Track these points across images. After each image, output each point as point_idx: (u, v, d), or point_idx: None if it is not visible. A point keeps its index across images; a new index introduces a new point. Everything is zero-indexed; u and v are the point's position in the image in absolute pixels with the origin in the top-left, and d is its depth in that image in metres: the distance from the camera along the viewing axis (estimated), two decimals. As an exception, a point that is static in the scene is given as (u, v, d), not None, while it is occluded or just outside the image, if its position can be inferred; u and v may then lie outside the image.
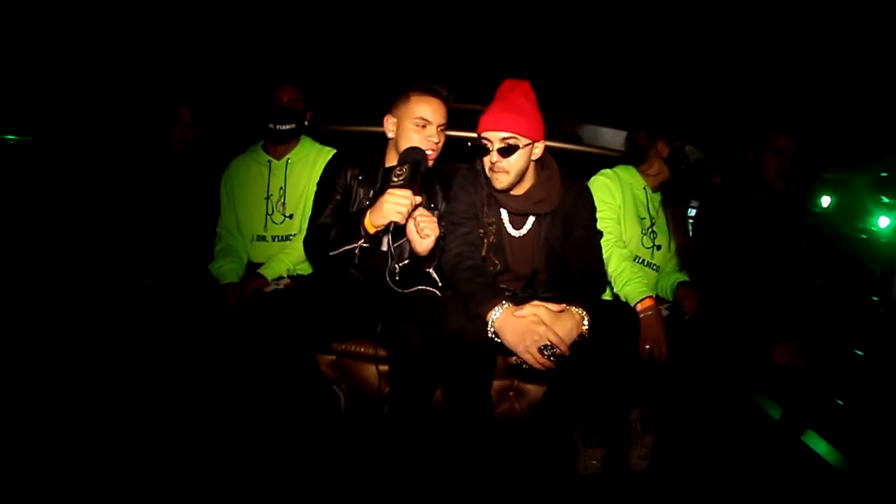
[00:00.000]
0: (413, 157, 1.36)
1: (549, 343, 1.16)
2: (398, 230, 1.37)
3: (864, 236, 3.02)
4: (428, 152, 1.45)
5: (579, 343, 1.24)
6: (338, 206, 1.54)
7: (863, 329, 2.11)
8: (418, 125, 1.48)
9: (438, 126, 1.49)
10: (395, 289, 1.47)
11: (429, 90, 1.50)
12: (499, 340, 1.23)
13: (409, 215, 1.32)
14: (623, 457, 1.64)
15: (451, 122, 1.56)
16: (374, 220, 1.33)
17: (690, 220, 1.99)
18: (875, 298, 2.15)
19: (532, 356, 1.17)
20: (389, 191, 1.30)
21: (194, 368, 1.61)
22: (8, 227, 2.25)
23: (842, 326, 2.15)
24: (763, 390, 2.02)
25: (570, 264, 1.47)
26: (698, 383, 1.59)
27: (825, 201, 3.40)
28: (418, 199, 1.32)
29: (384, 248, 1.48)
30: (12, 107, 2.52)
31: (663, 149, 1.74)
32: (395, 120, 1.52)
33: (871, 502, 1.60)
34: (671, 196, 1.81)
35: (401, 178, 1.31)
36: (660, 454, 1.65)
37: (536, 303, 1.23)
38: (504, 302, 1.24)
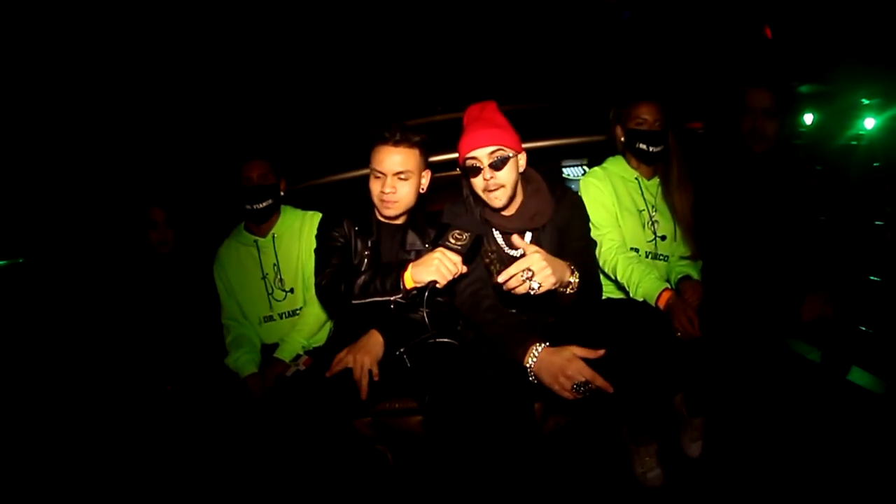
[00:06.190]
0: (477, 230, 1.33)
1: (583, 380, 1.16)
2: (434, 292, 1.28)
3: (855, 142, 2.99)
4: (378, 202, 1.44)
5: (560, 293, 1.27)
6: (343, 254, 1.49)
7: (874, 254, 2.09)
8: (375, 177, 1.45)
9: (395, 174, 1.42)
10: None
11: (381, 137, 1.43)
12: (536, 381, 1.22)
13: (448, 282, 1.27)
14: (676, 444, 1.64)
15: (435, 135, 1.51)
16: (416, 275, 1.27)
17: None
18: (880, 223, 2.12)
19: (568, 393, 1.17)
20: (442, 250, 1.26)
21: (230, 464, 1.60)
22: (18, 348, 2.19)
23: (855, 256, 2.12)
24: (797, 336, 2.00)
25: None
26: (734, 354, 1.58)
27: (808, 119, 3.36)
28: (464, 269, 1.28)
29: (423, 308, 1.37)
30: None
31: (620, 135, 1.68)
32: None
33: None
34: (679, 178, 1.66)
35: (459, 243, 1.26)
36: (712, 433, 1.64)
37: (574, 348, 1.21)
38: (539, 344, 1.22)
